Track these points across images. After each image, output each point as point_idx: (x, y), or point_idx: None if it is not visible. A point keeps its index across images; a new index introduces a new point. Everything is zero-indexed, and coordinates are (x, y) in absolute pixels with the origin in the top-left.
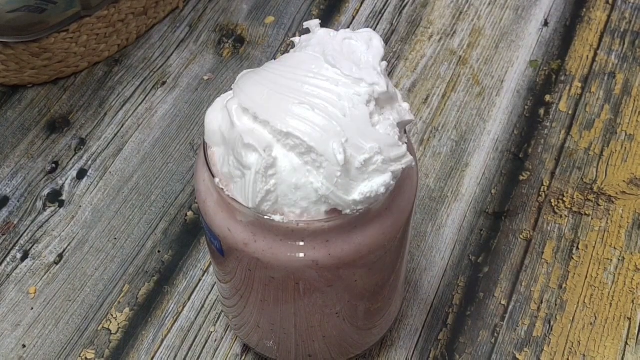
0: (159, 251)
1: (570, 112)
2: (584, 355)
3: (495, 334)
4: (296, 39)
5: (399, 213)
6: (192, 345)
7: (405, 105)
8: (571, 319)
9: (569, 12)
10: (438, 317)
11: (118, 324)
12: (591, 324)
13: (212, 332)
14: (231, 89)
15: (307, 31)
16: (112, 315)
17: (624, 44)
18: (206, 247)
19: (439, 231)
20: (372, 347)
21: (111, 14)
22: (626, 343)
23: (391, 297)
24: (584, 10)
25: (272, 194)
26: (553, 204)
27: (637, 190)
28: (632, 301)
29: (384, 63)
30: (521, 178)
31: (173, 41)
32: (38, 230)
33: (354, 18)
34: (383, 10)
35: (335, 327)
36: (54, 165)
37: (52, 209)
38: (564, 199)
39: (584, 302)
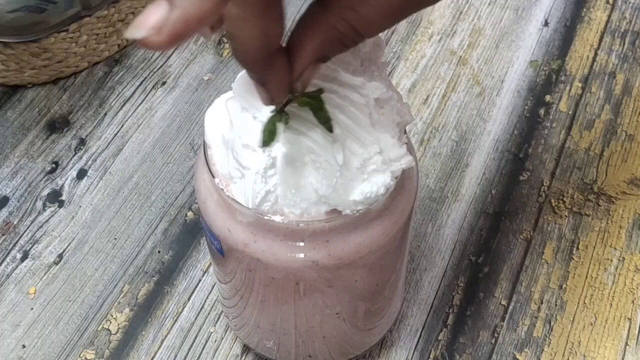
0: (159, 251)
1: (570, 112)
2: (584, 356)
3: (496, 334)
4: None
5: (399, 213)
6: (192, 345)
7: (406, 105)
8: (571, 319)
9: (569, 12)
10: (438, 318)
11: (118, 324)
12: (591, 324)
13: (212, 333)
14: (231, 89)
15: None
16: (112, 316)
17: (624, 44)
18: (206, 247)
19: (439, 231)
20: (372, 347)
21: (111, 14)
22: (626, 343)
23: (391, 297)
24: (584, 10)
25: (271, 194)
26: (553, 204)
27: (637, 190)
28: (632, 301)
29: (384, 63)
30: (521, 178)
31: None
32: (38, 230)
33: None
34: None
35: (335, 328)
36: (53, 165)
37: (52, 209)
38: (564, 199)
39: (584, 303)
